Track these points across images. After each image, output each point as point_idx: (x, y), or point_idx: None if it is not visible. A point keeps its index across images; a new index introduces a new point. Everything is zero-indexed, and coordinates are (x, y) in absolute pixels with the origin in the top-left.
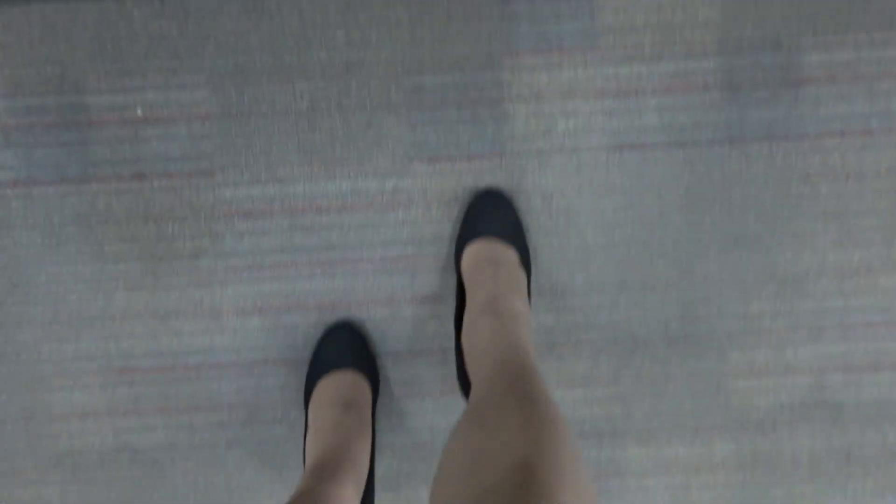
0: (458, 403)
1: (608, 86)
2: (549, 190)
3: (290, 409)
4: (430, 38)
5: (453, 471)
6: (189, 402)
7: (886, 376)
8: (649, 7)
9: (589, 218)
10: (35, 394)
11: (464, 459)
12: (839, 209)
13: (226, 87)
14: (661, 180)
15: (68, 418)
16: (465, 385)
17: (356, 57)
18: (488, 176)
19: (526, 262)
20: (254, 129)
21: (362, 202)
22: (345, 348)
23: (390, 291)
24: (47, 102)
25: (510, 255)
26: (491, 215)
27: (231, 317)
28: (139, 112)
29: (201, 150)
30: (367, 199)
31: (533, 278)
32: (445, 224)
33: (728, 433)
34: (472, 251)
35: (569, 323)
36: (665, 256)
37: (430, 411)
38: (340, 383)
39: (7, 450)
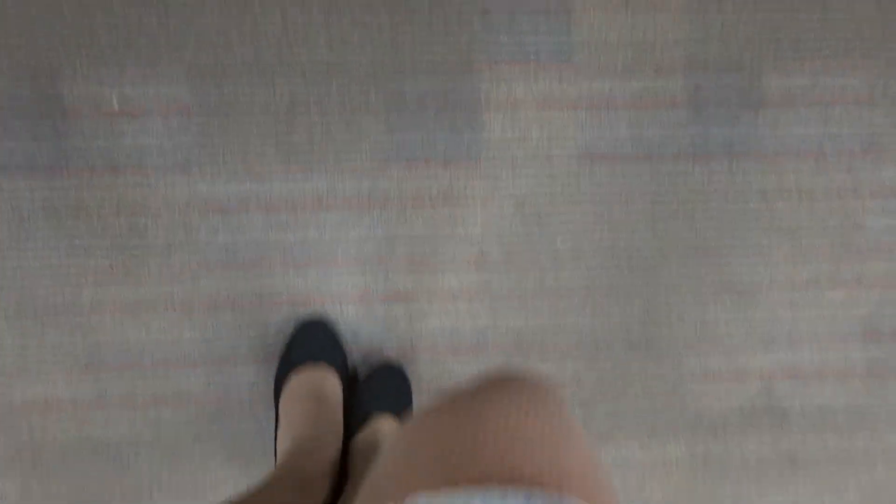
0: (423, 400)
1: (581, 99)
2: (522, 197)
3: (259, 405)
4: (411, 43)
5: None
6: (156, 396)
7: (830, 385)
8: (623, 26)
9: (559, 225)
10: None
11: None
12: (792, 226)
13: (205, 83)
14: (629, 191)
15: (30, 411)
16: None
17: (337, 59)
18: (463, 181)
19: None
20: (232, 126)
21: (338, 202)
22: (316, 344)
23: (363, 289)
24: (20, 91)
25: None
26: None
27: (202, 311)
28: (115, 104)
29: (178, 145)
30: (344, 199)
31: (506, 283)
32: (420, 226)
33: (682, 435)
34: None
35: (536, 326)
36: (630, 264)
37: None
38: (312, 377)
39: None
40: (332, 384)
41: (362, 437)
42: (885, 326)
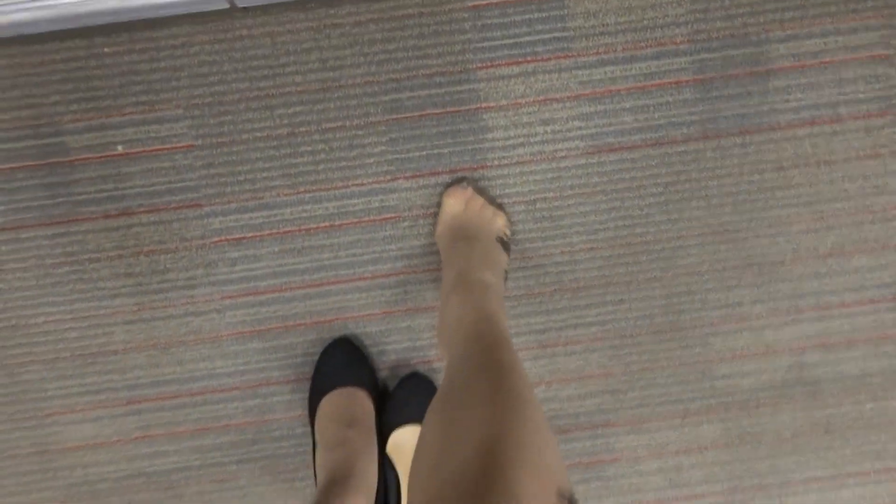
0: None
1: (583, 90)
2: (532, 196)
3: (296, 425)
4: (404, 53)
5: (424, 458)
6: (197, 425)
7: (860, 351)
8: (619, 9)
9: (573, 221)
10: (45, 429)
11: (433, 445)
12: (811, 195)
13: (204, 118)
14: (640, 179)
15: (81, 450)
16: None
17: (332, 78)
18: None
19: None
20: (236, 157)
21: (350, 221)
22: (344, 365)
23: (385, 305)
24: (26, 146)
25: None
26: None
27: (231, 341)
28: (119, 149)
29: (186, 181)
30: (355, 218)
31: (523, 283)
32: (432, 237)
33: (714, 415)
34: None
35: (559, 323)
36: (648, 252)
37: None
38: (342, 400)
39: (23, 484)
40: (362, 404)
41: (392, 446)
42: None
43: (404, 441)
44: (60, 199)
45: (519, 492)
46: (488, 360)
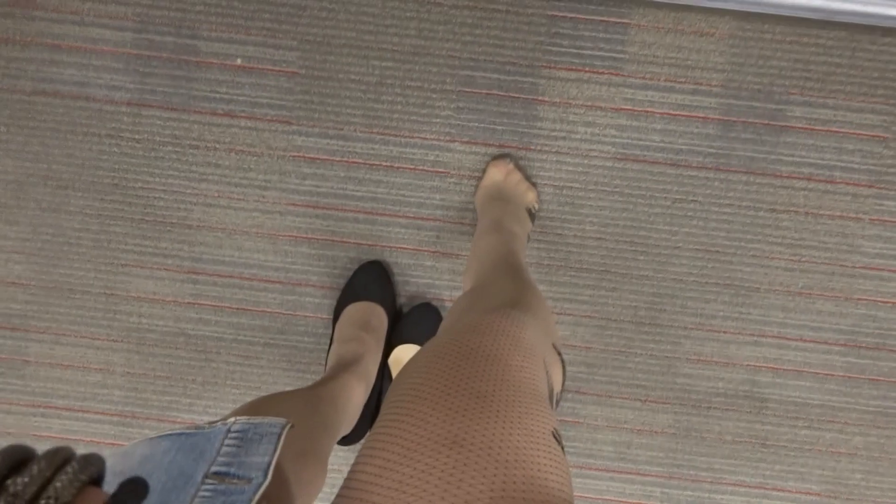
0: None
1: (625, 105)
2: (561, 183)
3: (320, 325)
4: (487, 40)
5: (455, 312)
6: (239, 304)
7: (807, 382)
8: (671, 46)
9: (589, 212)
10: (117, 276)
11: (464, 304)
12: (794, 239)
13: (312, 53)
14: (654, 191)
15: (140, 301)
16: None
17: (423, 46)
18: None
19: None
20: (329, 91)
21: (407, 166)
22: (372, 283)
23: (417, 243)
24: (166, 40)
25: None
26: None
27: (285, 241)
28: (239, 61)
29: (284, 101)
30: (412, 165)
31: (535, 253)
32: (470, 196)
33: (670, 406)
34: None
35: (557, 294)
36: (646, 253)
37: None
38: (364, 310)
39: (88, 318)
40: (379, 317)
41: (393, 359)
42: (866, 339)
43: (405, 356)
44: (181, 91)
45: (531, 323)
46: (513, 273)
